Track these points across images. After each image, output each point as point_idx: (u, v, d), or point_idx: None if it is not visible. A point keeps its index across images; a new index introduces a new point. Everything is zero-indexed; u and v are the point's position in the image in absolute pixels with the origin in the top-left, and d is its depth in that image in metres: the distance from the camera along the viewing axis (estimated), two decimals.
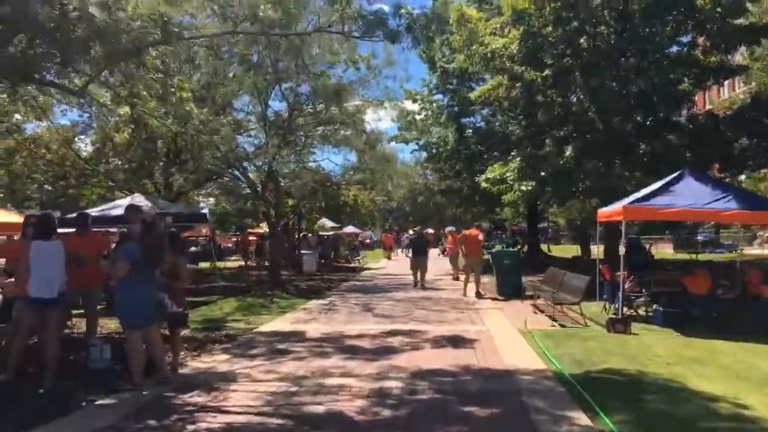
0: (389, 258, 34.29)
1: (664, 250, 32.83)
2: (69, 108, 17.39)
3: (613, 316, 9.57)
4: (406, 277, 19.59)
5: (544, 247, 35.96)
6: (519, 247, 35.45)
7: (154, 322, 6.13)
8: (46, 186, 26.45)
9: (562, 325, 9.89)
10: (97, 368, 6.52)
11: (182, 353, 7.55)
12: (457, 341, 8.67)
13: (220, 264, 29.63)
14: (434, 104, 28.45)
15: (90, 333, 7.39)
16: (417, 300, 14.23)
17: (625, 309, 10.16)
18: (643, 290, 10.92)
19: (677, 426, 4.89)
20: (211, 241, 35.78)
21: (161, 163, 21.68)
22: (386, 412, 5.21)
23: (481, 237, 15.78)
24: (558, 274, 12.52)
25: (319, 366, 7.00)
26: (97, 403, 5.57)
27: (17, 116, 15.45)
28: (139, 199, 14.11)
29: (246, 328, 10.06)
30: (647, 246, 24.25)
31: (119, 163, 21.50)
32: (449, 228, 26.80)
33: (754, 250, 32.86)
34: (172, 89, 10.09)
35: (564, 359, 7.31)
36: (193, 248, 33.29)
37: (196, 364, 7.22)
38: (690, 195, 9.98)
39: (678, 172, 10.81)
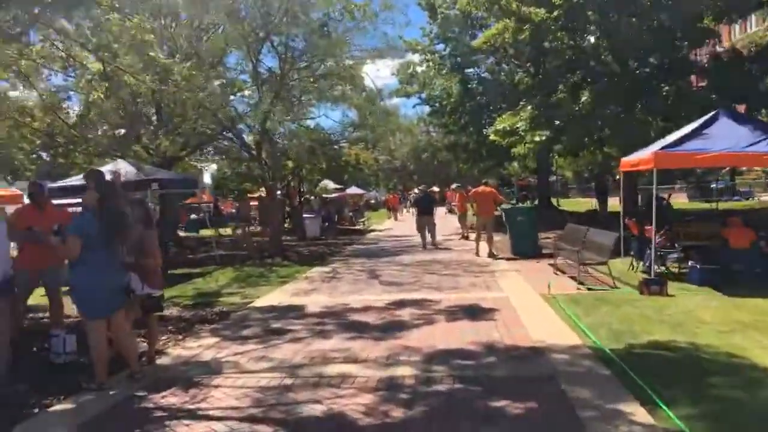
0: (395, 219, 33.29)
1: (678, 200, 31.73)
2: (52, 73, 16.22)
3: (646, 277, 8.59)
4: (412, 238, 18.66)
5: (553, 201, 34.87)
6: (528, 202, 34.50)
7: (120, 309, 5.17)
8: (33, 155, 25.39)
9: (590, 288, 8.94)
10: (60, 363, 5.62)
11: (162, 338, 6.66)
12: (474, 312, 7.74)
13: (223, 231, 28.85)
14: (436, 54, 27.02)
15: (54, 321, 6.47)
16: (426, 263, 13.30)
17: (656, 267, 9.21)
18: (676, 245, 9.91)
19: (762, 421, 3.94)
20: (213, 206, 35.00)
21: (151, 127, 20.58)
22: (398, 412, 4.28)
23: (494, 193, 14.73)
24: (579, 230, 11.51)
25: (318, 349, 6.07)
26: (53, 408, 4.66)
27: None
28: (121, 165, 13.11)
29: (241, 303, 9.16)
30: (665, 197, 23.21)
31: (105, 128, 20.38)
32: (455, 185, 25.76)
33: None
34: (132, 32, 8.93)
35: (600, 330, 6.36)
36: (193, 216, 32.54)
37: (178, 351, 6.31)
38: (727, 137, 8.89)
39: (712, 113, 9.69)
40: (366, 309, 8.21)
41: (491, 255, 13.74)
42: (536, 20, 15.95)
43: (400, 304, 8.48)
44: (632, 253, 10.81)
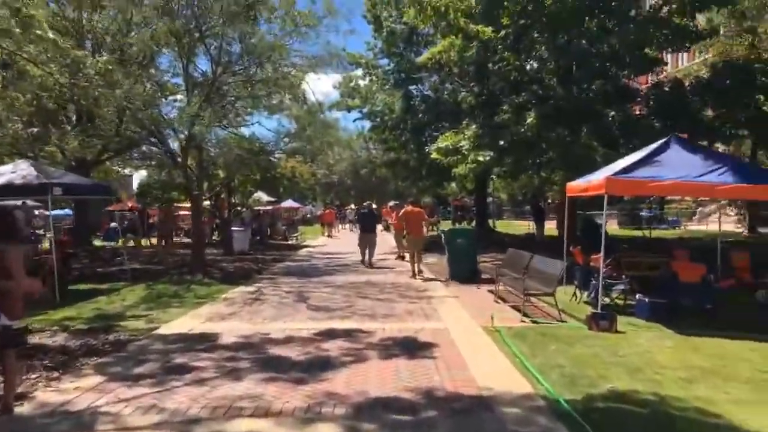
0: (329, 236, 31.92)
1: (608, 227, 32.30)
2: None
3: (595, 311, 8.01)
4: (346, 256, 17.77)
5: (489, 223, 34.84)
6: (466, 222, 34.27)
7: None
8: None
9: (535, 321, 8.26)
10: None
11: (32, 377, 5.41)
12: (411, 347, 6.87)
13: (145, 242, 26.92)
14: (379, 69, 26.41)
15: None
16: (360, 286, 12.38)
17: (602, 299, 8.67)
18: (623, 276, 9.45)
19: None
20: (138, 215, 32.71)
21: (65, 127, 18.80)
22: None
23: (422, 213, 14.63)
24: (522, 256, 10.93)
25: (224, 396, 5.01)
26: None
27: None
28: (21, 166, 11.56)
29: (144, 329, 7.92)
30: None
31: (18, 126, 18.43)
32: (392, 202, 25.10)
33: (695, 226, 32.79)
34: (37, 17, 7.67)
35: (551, 374, 5.63)
36: (113, 224, 30.30)
37: (47, 395, 5.08)
38: (680, 166, 8.51)
39: (663, 140, 9.34)
40: (289, 340, 7.18)
41: (415, 275, 13.48)
42: (484, 38, 15.54)
43: (329, 334, 7.51)
44: (575, 282, 10.30)
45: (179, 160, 15.40)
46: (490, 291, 11.16)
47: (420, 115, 24.84)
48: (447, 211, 64.42)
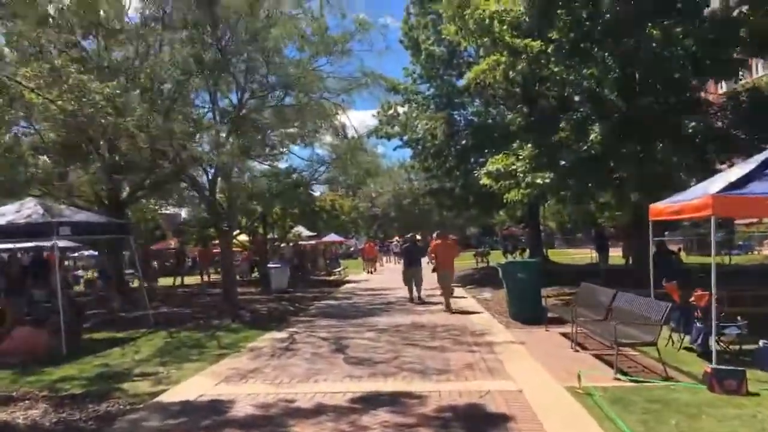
0: (371, 272, 30.10)
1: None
2: None
3: (716, 367, 6.16)
4: (391, 292, 16.23)
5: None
6: (518, 253, 32.15)
7: None
8: None
9: (635, 380, 6.43)
10: None
11: None
12: (478, 420, 5.21)
13: (189, 281, 26.03)
14: (419, 95, 25.14)
15: None
16: (406, 329, 10.76)
17: (714, 346, 6.81)
18: (738, 318, 7.54)
19: None
20: (176, 254, 32.00)
21: (94, 163, 18.02)
22: None
23: (454, 245, 14.82)
24: (599, 293, 9.14)
25: None
26: None
27: None
28: (28, 204, 10.55)
29: (146, 395, 6.50)
30: (674, 250, 21.25)
31: (47, 162, 17.76)
32: (436, 234, 23.50)
33: None
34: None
35: None
36: (155, 262, 29.60)
37: None
38: None
39: None
40: (318, 412, 5.62)
41: (447, 309, 13.03)
42: (533, 53, 13.99)
43: (370, 400, 5.92)
44: (671, 324, 8.41)
45: (207, 194, 14.28)
46: (563, 335, 9.38)
47: (464, 141, 23.34)
48: (495, 242, 62.27)
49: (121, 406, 5.99)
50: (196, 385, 6.96)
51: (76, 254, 44.44)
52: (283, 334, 10.66)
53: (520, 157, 13.04)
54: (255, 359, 8.42)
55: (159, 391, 6.65)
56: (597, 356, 7.68)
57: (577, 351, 8.16)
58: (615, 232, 28.93)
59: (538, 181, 12.00)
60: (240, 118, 14.10)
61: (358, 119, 78.81)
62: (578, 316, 8.50)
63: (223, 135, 13.69)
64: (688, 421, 4.96)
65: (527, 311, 10.99)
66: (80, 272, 31.58)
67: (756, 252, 30.51)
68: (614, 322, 7.23)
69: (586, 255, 27.18)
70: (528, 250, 26.78)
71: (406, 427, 5.07)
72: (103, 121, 9.99)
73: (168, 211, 35.23)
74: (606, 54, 12.35)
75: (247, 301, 16.06)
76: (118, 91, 10.03)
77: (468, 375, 6.98)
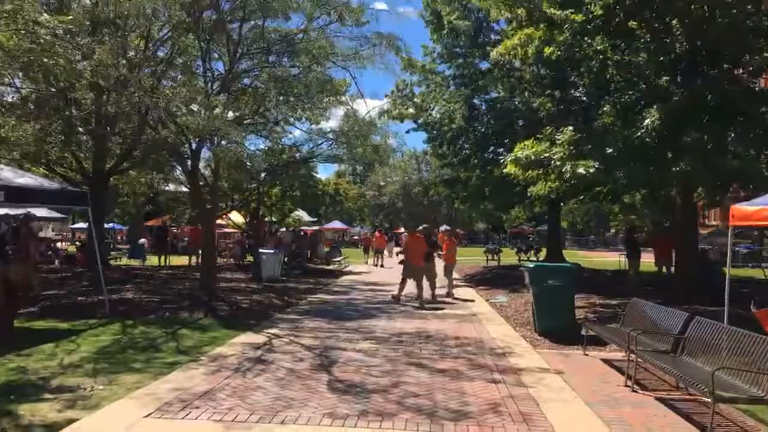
0: (376, 264, 27.90)
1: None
2: None
3: None
4: (393, 289, 14.25)
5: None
6: (532, 253, 30.08)
7: None
8: None
9: None
10: None
11: None
12: None
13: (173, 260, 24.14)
14: (438, 75, 23.04)
15: None
16: (410, 339, 8.81)
17: None
18: None
19: None
20: (158, 231, 29.83)
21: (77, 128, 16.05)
22: None
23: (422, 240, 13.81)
24: (664, 314, 7.07)
25: None
26: None
27: None
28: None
29: (45, 425, 4.60)
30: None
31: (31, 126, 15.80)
32: (444, 227, 21.51)
33: None
34: None
35: None
36: (141, 240, 27.75)
37: None
38: None
39: None
40: None
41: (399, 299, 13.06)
42: (576, 25, 11.91)
43: None
44: None
45: (187, 165, 12.31)
46: (606, 362, 7.40)
47: (483, 129, 21.24)
48: (503, 240, 60.00)
49: None
50: (117, 414, 5.03)
51: (76, 225, 42.67)
52: (259, 338, 8.71)
53: (558, 142, 10.94)
54: (212, 374, 6.47)
55: (63, 423, 4.73)
56: (664, 401, 5.69)
57: (636, 392, 6.14)
58: (644, 236, 26.78)
59: (581, 171, 9.90)
60: (231, 80, 12.12)
61: (369, 107, 76.40)
62: (637, 344, 6.46)
63: (212, 97, 11.72)
64: None
65: (559, 327, 8.99)
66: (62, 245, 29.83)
67: None
68: (710, 367, 5.20)
69: (591, 258, 25.10)
70: (541, 251, 24.75)
71: None
72: (52, 62, 8.00)
73: (169, 188, 33.41)
74: (671, 21, 10.19)
75: (230, 291, 14.15)
76: (71, 27, 8.03)
77: (495, 424, 4.99)
